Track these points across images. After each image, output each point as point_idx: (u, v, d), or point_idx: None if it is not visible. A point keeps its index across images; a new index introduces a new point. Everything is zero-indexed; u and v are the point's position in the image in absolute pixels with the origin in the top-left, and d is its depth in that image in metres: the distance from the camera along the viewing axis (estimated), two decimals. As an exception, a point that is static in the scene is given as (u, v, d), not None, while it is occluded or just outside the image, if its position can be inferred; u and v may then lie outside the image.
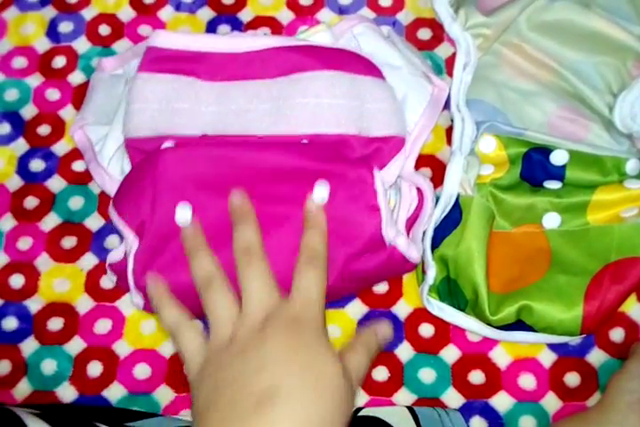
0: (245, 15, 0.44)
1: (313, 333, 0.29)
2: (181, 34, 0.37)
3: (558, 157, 0.39)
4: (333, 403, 0.27)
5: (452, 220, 0.37)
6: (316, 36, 0.38)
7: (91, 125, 0.39)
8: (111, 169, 0.37)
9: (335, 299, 0.37)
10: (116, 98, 0.39)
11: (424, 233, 0.37)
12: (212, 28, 0.44)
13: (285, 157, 0.35)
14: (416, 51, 0.41)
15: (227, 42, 0.37)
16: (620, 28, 0.40)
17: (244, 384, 0.27)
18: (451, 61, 0.42)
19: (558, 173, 0.39)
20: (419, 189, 0.37)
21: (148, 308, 0.35)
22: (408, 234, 0.37)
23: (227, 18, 0.44)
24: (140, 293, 0.34)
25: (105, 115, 0.39)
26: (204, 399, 0.28)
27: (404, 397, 0.36)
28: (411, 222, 0.37)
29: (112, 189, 0.36)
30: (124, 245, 0.35)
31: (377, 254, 0.35)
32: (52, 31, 0.44)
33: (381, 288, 0.39)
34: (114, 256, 0.36)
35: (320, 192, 0.34)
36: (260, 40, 0.37)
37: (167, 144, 0.35)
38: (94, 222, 0.40)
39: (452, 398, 0.36)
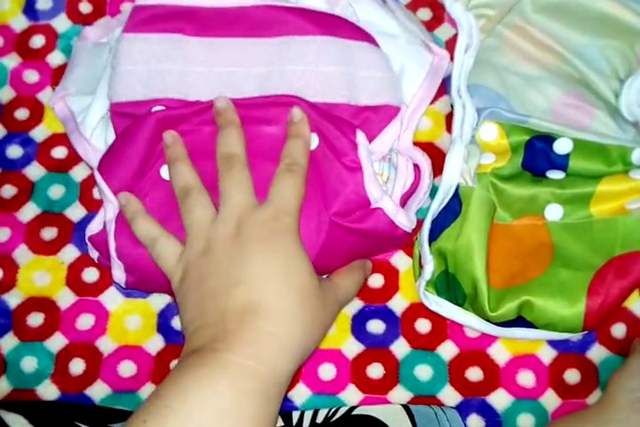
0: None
1: (288, 238, 0.30)
2: None
3: (562, 146, 0.38)
4: (311, 311, 0.29)
5: (451, 211, 0.36)
6: (311, 0, 0.37)
7: (73, 96, 0.37)
8: (94, 140, 0.36)
9: (329, 270, 0.35)
10: (99, 67, 0.37)
11: (421, 224, 0.36)
12: None
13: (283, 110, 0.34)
14: (415, 18, 0.39)
15: None
16: (629, 10, 0.39)
17: (227, 297, 0.28)
18: (451, 44, 0.40)
19: (561, 163, 0.38)
20: (415, 165, 0.36)
21: (131, 282, 0.34)
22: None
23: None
24: (122, 263, 0.33)
25: (88, 84, 0.37)
26: (191, 312, 0.29)
27: (399, 395, 0.35)
28: (405, 199, 0.36)
29: (95, 161, 0.35)
30: (103, 216, 0.34)
31: (362, 215, 0.33)
32: (29, 8, 0.42)
33: (377, 282, 0.37)
34: (94, 227, 0.34)
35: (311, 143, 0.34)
36: None
37: (157, 108, 0.34)
38: (76, 212, 0.38)
39: (449, 395, 0.36)
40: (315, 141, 0.34)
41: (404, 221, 0.34)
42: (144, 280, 0.34)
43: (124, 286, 0.35)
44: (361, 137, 0.34)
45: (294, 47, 0.35)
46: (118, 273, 0.34)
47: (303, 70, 0.34)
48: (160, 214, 0.33)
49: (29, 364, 0.36)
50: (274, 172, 0.33)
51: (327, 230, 0.33)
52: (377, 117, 0.35)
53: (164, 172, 0.34)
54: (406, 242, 0.37)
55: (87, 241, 0.35)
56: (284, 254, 0.29)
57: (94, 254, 0.35)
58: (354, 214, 0.34)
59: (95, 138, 0.36)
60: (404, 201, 0.36)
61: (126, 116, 0.34)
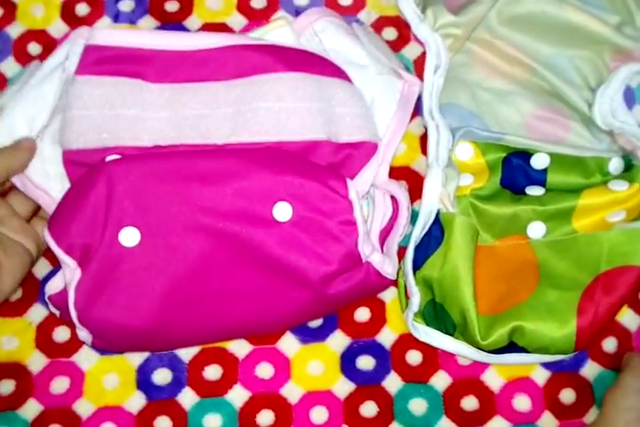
0: (192, 23, 0.40)
1: None
2: (124, 30, 0.34)
3: (539, 161, 0.37)
4: None
5: (434, 238, 0.35)
6: (277, 31, 0.35)
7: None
8: (51, 189, 0.33)
9: (312, 320, 0.35)
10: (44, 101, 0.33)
11: (403, 254, 0.35)
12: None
13: (247, 169, 0.32)
14: (383, 43, 0.38)
15: (176, 39, 0.33)
16: (595, 19, 0.38)
17: None
18: (419, 62, 0.39)
19: (540, 178, 0.37)
20: (393, 198, 0.35)
21: (98, 343, 0.33)
22: (382, 246, 0.35)
23: (172, 27, 0.40)
24: (85, 328, 0.31)
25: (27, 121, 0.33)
26: None
27: (395, 432, 0.35)
28: (385, 234, 0.35)
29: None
30: (62, 275, 0.32)
31: (353, 273, 0.33)
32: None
33: (363, 316, 0.36)
34: (53, 286, 0.32)
35: (279, 214, 0.32)
36: (213, 37, 0.34)
37: (112, 157, 0.32)
38: (41, 268, 0.36)
39: (446, 427, 0.35)
40: (288, 212, 0.32)
41: (390, 270, 0.34)
42: (113, 343, 0.33)
43: (90, 345, 0.33)
44: (353, 193, 0.33)
45: (265, 85, 0.33)
46: (83, 334, 0.32)
47: (279, 107, 0.32)
48: (135, 287, 0.31)
49: (3, 435, 0.34)
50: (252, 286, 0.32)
51: (316, 291, 0.32)
52: (358, 154, 0.34)
53: (124, 237, 0.31)
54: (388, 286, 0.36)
55: (47, 300, 0.33)
56: None
57: (56, 311, 0.33)
58: (344, 272, 0.33)
59: (53, 186, 0.33)
60: (383, 236, 0.35)
61: (80, 165, 0.32)
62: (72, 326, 0.33)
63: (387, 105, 0.35)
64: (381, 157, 0.35)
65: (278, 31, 0.35)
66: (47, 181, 0.33)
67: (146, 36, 0.33)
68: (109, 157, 0.32)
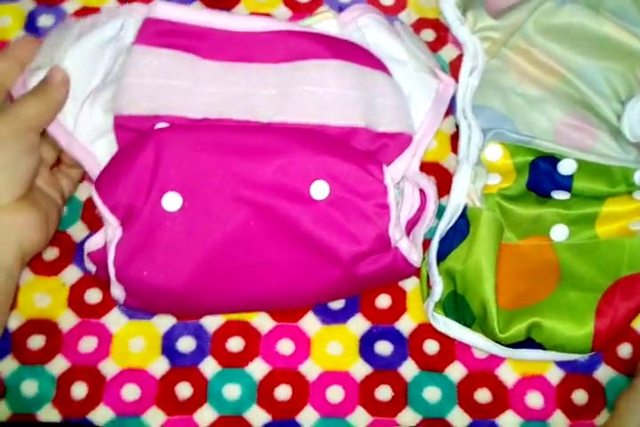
0: (239, 12, 0.42)
1: None
2: (182, 6, 0.35)
3: (566, 167, 0.38)
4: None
5: (459, 232, 0.36)
6: (323, 23, 0.36)
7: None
8: (97, 151, 0.34)
9: (336, 299, 0.36)
10: (96, 71, 0.34)
11: (428, 245, 0.36)
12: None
13: (289, 147, 0.33)
14: (422, 43, 0.39)
15: (230, 19, 0.35)
16: (630, 34, 0.39)
17: None
18: (455, 64, 0.41)
19: (565, 183, 0.38)
20: (421, 191, 0.36)
21: (130, 302, 0.33)
22: (408, 236, 0.36)
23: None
24: (121, 285, 0.32)
25: (81, 89, 0.34)
26: None
27: (408, 417, 0.35)
28: (411, 225, 0.36)
29: (93, 169, 0.34)
30: (104, 232, 0.33)
31: (382, 256, 0.34)
32: (30, 25, 0.41)
33: (384, 303, 0.37)
34: (93, 244, 0.33)
35: (317, 192, 0.33)
36: (265, 22, 0.35)
37: (161, 124, 0.33)
38: (78, 232, 0.37)
39: (458, 417, 0.35)
40: (325, 190, 0.33)
41: (416, 258, 0.35)
42: (145, 302, 0.34)
43: (122, 303, 0.34)
44: (388, 178, 0.33)
45: (311, 70, 0.34)
46: (117, 292, 0.33)
47: (323, 92, 0.33)
48: (173, 251, 0.32)
49: (30, 388, 0.35)
50: (285, 261, 0.33)
51: (345, 269, 0.33)
52: (393, 145, 0.35)
53: (167, 202, 0.32)
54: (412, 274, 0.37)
55: (85, 256, 0.34)
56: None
57: (92, 268, 0.34)
58: (372, 254, 0.33)
59: (98, 149, 0.34)
60: (409, 227, 0.36)
61: (129, 131, 0.33)
62: (105, 285, 0.34)
63: (422, 101, 0.36)
64: (414, 150, 0.36)
65: (324, 23, 0.36)
66: (93, 144, 0.34)
67: (202, 14, 0.34)
68: (159, 125, 0.33)
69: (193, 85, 0.33)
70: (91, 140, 0.34)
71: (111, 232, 0.32)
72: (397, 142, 0.35)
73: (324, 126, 0.34)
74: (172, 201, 0.32)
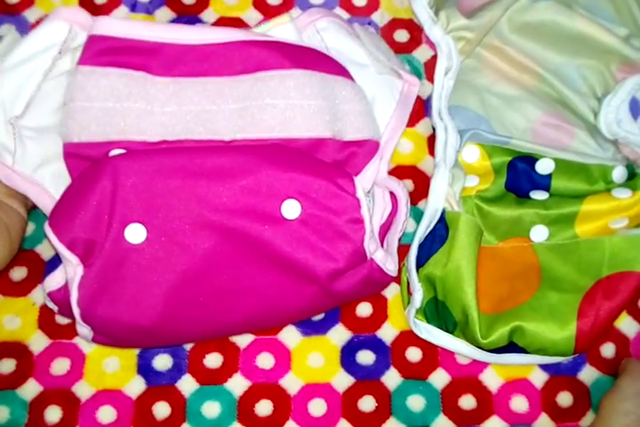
0: (208, 16, 0.41)
1: None
2: (128, 21, 0.33)
3: (544, 166, 0.38)
4: None
5: (438, 237, 0.36)
6: (279, 28, 0.35)
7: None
8: (47, 184, 0.32)
9: (315, 315, 0.36)
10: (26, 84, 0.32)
11: (406, 250, 0.35)
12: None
13: (255, 166, 0.32)
14: (383, 44, 0.38)
15: (181, 32, 0.33)
16: (604, 30, 0.39)
17: None
18: (430, 65, 0.40)
19: (544, 183, 0.38)
20: (392, 194, 0.35)
21: (99, 339, 0.32)
22: (381, 242, 0.35)
23: (188, 19, 0.40)
24: (87, 325, 0.31)
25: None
26: None
27: (392, 427, 0.35)
28: (384, 230, 0.35)
29: (48, 206, 0.32)
30: (63, 271, 0.31)
31: (357, 269, 0.33)
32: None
33: (365, 311, 0.36)
34: (52, 282, 0.32)
35: (288, 212, 0.32)
36: (218, 32, 0.34)
37: (116, 151, 0.31)
38: (46, 250, 0.36)
39: (443, 425, 0.35)
40: (296, 209, 0.32)
41: (392, 267, 0.34)
42: (115, 339, 0.33)
43: (89, 341, 0.33)
44: (360, 191, 0.33)
45: (272, 82, 0.32)
46: (84, 331, 0.32)
47: (285, 104, 0.32)
48: (140, 285, 0.31)
49: (1, 414, 0.33)
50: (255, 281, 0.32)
51: (322, 287, 0.32)
52: (362, 152, 0.34)
53: (130, 234, 0.30)
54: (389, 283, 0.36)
55: (46, 296, 0.32)
56: None
57: (53, 307, 0.32)
58: (349, 269, 0.33)
59: (45, 177, 0.32)
60: (382, 232, 0.35)
61: (82, 159, 0.31)
62: (72, 321, 0.33)
63: (386, 104, 0.36)
64: (381, 154, 0.35)
65: (281, 28, 0.35)
66: (38, 172, 0.32)
67: (150, 28, 0.32)
68: (113, 152, 0.31)
69: (147, 106, 0.32)
70: (33, 168, 0.32)
71: (71, 270, 0.31)
72: (365, 149, 0.34)
73: (289, 140, 0.33)
74: (135, 233, 0.31)
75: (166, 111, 0.32)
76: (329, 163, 0.33)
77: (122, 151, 0.31)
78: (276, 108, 0.32)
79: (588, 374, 0.36)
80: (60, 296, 0.31)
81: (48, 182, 0.32)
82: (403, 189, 0.35)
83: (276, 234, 0.32)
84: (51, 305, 0.33)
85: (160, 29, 0.33)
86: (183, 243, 0.31)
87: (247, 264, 0.32)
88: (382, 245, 0.35)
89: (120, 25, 0.32)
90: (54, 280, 0.32)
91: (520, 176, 0.38)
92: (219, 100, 0.32)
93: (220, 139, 0.32)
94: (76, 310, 0.31)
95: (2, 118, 0.32)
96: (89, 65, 0.31)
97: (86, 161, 0.31)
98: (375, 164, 0.34)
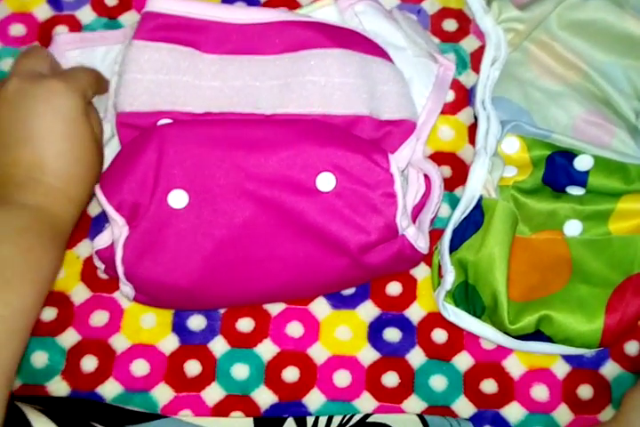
0: (252, -2, 0.42)
1: (69, 101, 0.31)
2: (180, 0, 0.35)
3: (583, 163, 0.38)
4: (89, 165, 0.32)
5: (473, 222, 0.36)
6: (322, 10, 0.36)
7: None
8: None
9: (345, 288, 0.36)
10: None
11: (439, 234, 0.36)
12: (227, 2, 0.41)
13: (293, 139, 0.33)
14: (420, 28, 0.39)
15: (228, 11, 0.35)
16: (654, 32, 0.39)
17: (15, 152, 0.31)
18: (476, 55, 0.41)
19: (581, 179, 0.38)
20: (426, 176, 0.36)
21: (139, 298, 0.34)
22: (414, 222, 0.36)
23: (239, -4, 0.41)
24: (130, 283, 0.32)
25: None
26: None
27: (414, 404, 0.35)
28: (417, 210, 0.36)
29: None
30: (111, 231, 0.33)
31: (389, 244, 0.34)
32: (54, -2, 0.41)
33: (395, 290, 0.37)
34: (100, 241, 0.33)
35: (323, 184, 0.33)
36: (263, 12, 0.35)
37: (164, 121, 0.33)
38: (93, 207, 0.37)
39: (463, 406, 0.35)
40: (331, 182, 0.33)
41: (423, 244, 0.35)
42: (155, 299, 0.34)
43: (131, 299, 0.34)
44: (394, 167, 0.33)
45: (313, 60, 0.33)
46: (126, 289, 0.33)
47: (325, 81, 0.33)
48: (181, 248, 0.32)
49: (40, 359, 0.35)
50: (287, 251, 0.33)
51: (352, 258, 0.33)
52: (397, 132, 0.35)
53: (173, 199, 0.32)
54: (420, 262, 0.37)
55: (94, 254, 0.34)
56: (65, 117, 0.31)
57: (101, 266, 0.34)
58: (380, 243, 0.33)
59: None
60: (415, 213, 0.36)
61: (132, 128, 0.33)
62: (114, 283, 0.34)
63: (423, 86, 0.36)
64: (418, 136, 0.35)
65: (324, 10, 0.36)
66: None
67: (200, 7, 0.34)
68: (161, 121, 0.33)
69: (194, 80, 0.33)
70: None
71: (117, 231, 0.32)
72: (401, 129, 0.35)
73: (327, 116, 0.34)
74: (178, 198, 0.32)
75: (212, 85, 0.33)
76: (364, 139, 0.34)
77: (169, 121, 0.33)
78: (316, 84, 0.33)
79: (610, 370, 0.36)
80: (107, 254, 0.33)
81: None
82: (437, 171, 0.36)
83: (310, 205, 0.32)
84: (98, 264, 0.34)
85: (209, 8, 0.34)
86: (222, 210, 0.32)
87: (281, 234, 0.33)
88: (414, 224, 0.36)
89: (172, 3, 0.34)
90: (102, 239, 0.33)
91: (558, 171, 0.38)
92: (261, 77, 0.34)
93: (262, 113, 0.34)
94: (120, 269, 0.32)
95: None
96: (142, 39, 0.33)
97: (136, 130, 0.33)
98: (411, 144, 0.35)
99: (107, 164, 0.34)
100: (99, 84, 0.34)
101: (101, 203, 0.32)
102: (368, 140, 0.34)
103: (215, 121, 0.33)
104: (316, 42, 0.34)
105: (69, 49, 0.36)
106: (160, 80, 0.33)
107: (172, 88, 0.33)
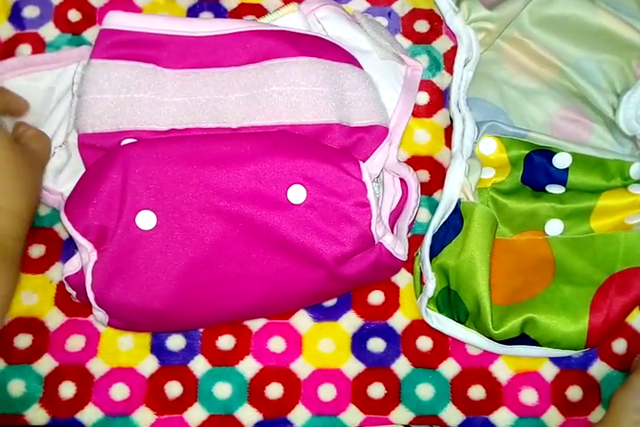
0: (229, 2, 0.41)
1: None
2: (138, 15, 0.34)
3: (561, 160, 0.38)
4: (24, 179, 0.32)
5: (453, 227, 0.36)
6: (287, 17, 0.36)
7: None
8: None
9: (325, 300, 0.36)
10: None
11: (420, 241, 0.35)
12: (192, 15, 0.41)
13: (261, 152, 0.32)
14: (384, 31, 0.38)
15: (188, 24, 0.34)
16: (626, 25, 0.39)
17: None
18: (449, 56, 0.40)
19: (560, 177, 0.38)
20: (402, 180, 0.35)
21: (114, 323, 0.33)
22: (392, 228, 0.35)
23: (209, 4, 0.41)
24: (102, 309, 0.32)
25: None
26: None
27: (401, 414, 0.35)
28: (395, 216, 0.35)
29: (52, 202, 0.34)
30: (79, 256, 0.32)
31: (366, 254, 0.33)
32: (15, 16, 0.40)
33: (377, 299, 0.37)
34: (70, 267, 0.32)
35: (294, 197, 0.32)
36: (225, 24, 0.34)
37: (127, 140, 0.32)
38: (64, 230, 0.36)
39: (452, 414, 0.35)
40: (302, 194, 0.32)
41: (402, 251, 0.34)
42: (129, 323, 0.33)
43: (105, 325, 0.33)
44: (366, 175, 0.33)
45: (278, 69, 0.33)
46: (99, 314, 0.33)
47: (291, 91, 0.33)
48: (152, 270, 0.31)
49: (17, 387, 0.34)
50: (261, 267, 0.33)
51: (329, 271, 0.33)
52: (369, 138, 0.34)
53: (141, 221, 0.31)
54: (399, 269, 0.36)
55: (64, 280, 0.33)
56: None
57: (72, 292, 0.33)
58: (357, 253, 0.33)
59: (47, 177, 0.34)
60: (393, 218, 0.35)
61: (95, 149, 0.32)
62: (89, 306, 0.33)
63: (392, 89, 0.36)
64: (390, 140, 0.35)
65: (289, 17, 0.36)
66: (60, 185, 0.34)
67: (159, 22, 0.33)
68: (125, 141, 0.32)
69: (156, 96, 0.32)
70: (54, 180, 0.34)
71: (86, 256, 0.32)
72: (373, 135, 0.34)
73: (296, 126, 0.33)
74: (146, 220, 0.31)
75: (175, 101, 0.33)
76: (334, 148, 0.33)
77: (133, 140, 0.32)
78: (282, 94, 0.33)
79: (598, 369, 0.36)
80: (77, 280, 0.32)
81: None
82: (413, 174, 0.35)
83: (282, 219, 0.32)
84: (69, 290, 0.33)
85: (168, 22, 0.34)
86: (192, 229, 0.32)
87: (255, 249, 0.32)
88: (392, 231, 0.35)
89: (129, 19, 0.33)
90: (72, 265, 0.33)
91: (537, 170, 0.38)
92: (226, 90, 0.33)
93: (228, 126, 0.33)
94: (90, 295, 0.31)
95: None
96: (100, 58, 0.32)
97: (100, 151, 0.32)
98: (384, 149, 0.34)
99: (70, 187, 0.33)
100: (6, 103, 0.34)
101: (67, 228, 0.32)
102: (339, 148, 0.34)
103: (180, 138, 0.33)
104: (280, 51, 0.33)
105: (8, 78, 0.35)
106: (121, 99, 0.32)
107: (133, 106, 0.32)
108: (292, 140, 0.33)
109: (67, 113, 0.35)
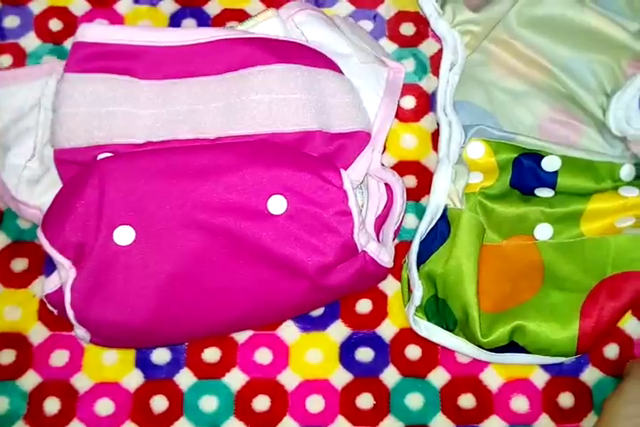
0: (212, 8, 0.41)
1: None
2: (111, 26, 0.34)
3: (550, 163, 0.37)
4: None
5: (440, 234, 0.35)
6: (265, 23, 0.35)
7: None
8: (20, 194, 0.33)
9: (311, 310, 0.35)
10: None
11: (407, 249, 0.35)
12: (175, 22, 0.40)
13: (239, 163, 0.32)
14: (365, 33, 0.38)
15: (164, 34, 0.33)
16: (615, 25, 0.38)
17: None
18: (436, 59, 0.40)
19: (550, 180, 0.37)
20: (387, 185, 0.35)
21: (96, 341, 0.33)
22: (377, 234, 0.35)
23: (192, 11, 0.40)
24: (82, 327, 0.31)
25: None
26: None
27: (390, 425, 0.34)
28: (381, 221, 0.35)
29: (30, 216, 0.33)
30: (58, 274, 0.32)
31: (350, 263, 0.33)
32: (-5, 26, 0.40)
33: (365, 308, 0.36)
34: (50, 284, 0.32)
35: (274, 208, 0.32)
36: (201, 32, 0.34)
37: (103, 155, 0.32)
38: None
39: (442, 424, 0.35)
40: (282, 205, 0.32)
41: (387, 258, 0.34)
42: (111, 340, 0.33)
43: (87, 342, 0.33)
44: (347, 183, 0.32)
45: (255, 77, 0.32)
46: (81, 332, 0.32)
47: (270, 99, 0.32)
48: (131, 286, 0.31)
49: (1, 404, 0.34)
50: (242, 277, 0.32)
51: (311, 281, 0.32)
52: (351, 144, 0.33)
53: (119, 236, 0.31)
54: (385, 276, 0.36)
55: (44, 298, 0.32)
56: None
57: (54, 310, 0.33)
58: (340, 263, 0.32)
59: (21, 191, 0.33)
60: (378, 224, 0.35)
61: (72, 164, 0.32)
62: (70, 324, 0.33)
63: (374, 93, 0.35)
64: (373, 145, 0.34)
65: (267, 22, 0.35)
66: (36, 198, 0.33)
67: (133, 33, 0.33)
68: (101, 155, 0.32)
69: (133, 109, 0.32)
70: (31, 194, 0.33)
71: (64, 274, 0.31)
72: (355, 141, 0.34)
73: (276, 134, 0.32)
74: (124, 235, 0.31)
75: (152, 113, 0.32)
76: (314, 156, 0.33)
77: (109, 155, 0.32)
78: (261, 103, 0.32)
79: (590, 375, 0.36)
80: (57, 298, 0.32)
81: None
82: (398, 179, 0.35)
83: (263, 230, 0.31)
84: (50, 307, 0.33)
85: (143, 33, 0.33)
86: (171, 243, 0.31)
87: (236, 262, 0.32)
88: (379, 237, 0.35)
89: (103, 30, 0.33)
90: (52, 282, 0.32)
91: (525, 173, 0.37)
92: (204, 99, 0.32)
93: (205, 137, 0.32)
94: (70, 313, 0.31)
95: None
96: (74, 72, 0.32)
97: (76, 166, 0.32)
98: (367, 155, 0.34)
99: (49, 199, 0.33)
100: None
101: (44, 246, 0.31)
102: (320, 155, 0.33)
103: (157, 151, 0.32)
104: (258, 59, 0.33)
105: None
106: (96, 113, 0.32)
107: (109, 120, 0.32)
108: (271, 150, 0.32)
109: (34, 126, 0.34)
